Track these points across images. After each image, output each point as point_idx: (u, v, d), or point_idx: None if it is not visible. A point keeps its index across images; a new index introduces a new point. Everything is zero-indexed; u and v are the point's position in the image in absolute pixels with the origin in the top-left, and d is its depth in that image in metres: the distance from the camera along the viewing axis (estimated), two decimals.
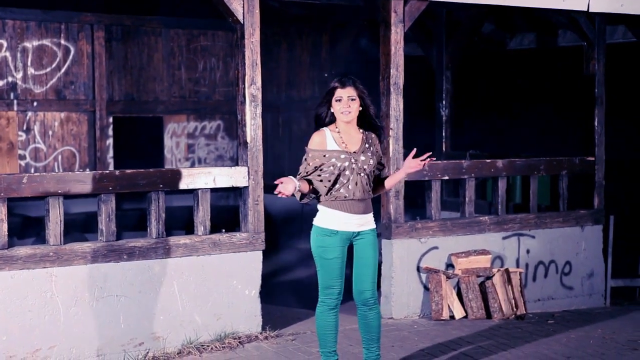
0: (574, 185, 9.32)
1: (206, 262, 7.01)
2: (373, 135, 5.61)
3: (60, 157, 11.60)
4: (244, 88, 7.19)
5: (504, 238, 8.60)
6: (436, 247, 8.18)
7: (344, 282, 5.60)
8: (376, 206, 5.74)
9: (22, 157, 11.35)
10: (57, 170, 11.39)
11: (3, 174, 6.42)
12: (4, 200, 6.27)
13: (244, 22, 7.16)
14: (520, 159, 8.91)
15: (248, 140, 7.20)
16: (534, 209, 8.89)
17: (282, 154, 12.70)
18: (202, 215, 7.06)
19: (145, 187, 6.82)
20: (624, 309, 9.13)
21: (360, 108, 5.53)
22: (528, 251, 8.75)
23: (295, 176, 5.50)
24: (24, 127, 11.37)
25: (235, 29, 7.25)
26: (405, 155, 7.91)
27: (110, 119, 11.84)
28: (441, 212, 8.45)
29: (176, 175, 6.96)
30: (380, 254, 6.38)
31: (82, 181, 6.55)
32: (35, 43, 11.40)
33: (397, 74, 7.85)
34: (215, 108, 12.73)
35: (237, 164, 7.34)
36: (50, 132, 11.54)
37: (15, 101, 11.28)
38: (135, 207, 10.72)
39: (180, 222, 10.36)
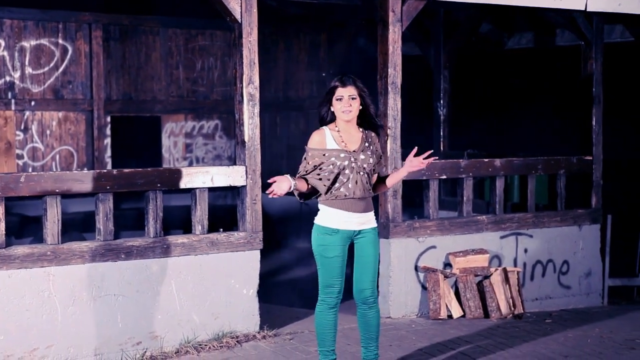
0: (571, 185, 9.32)
1: (204, 262, 7.01)
2: (373, 134, 5.61)
3: (58, 156, 11.60)
4: (242, 87, 7.19)
5: (502, 237, 8.60)
6: (434, 247, 8.18)
7: (344, 281, 5.60)
8: (374, 205, 5.73)
9: (20, 157, 11.35)
10: (55, 170, 11.38)
11: (1, 173, 6.42)
12: (2, 200, 6.26)
13: (241, 21, 7.16)
14: (518, 159, 8.91)
15: (246, 139, 7.20)
16: (532, 209, 8.90)
17: (280, 154, 12.70)
18: (200, 215, 7.06)
19: (143, 187, 6.82)
20: (621, 308, 9.14)
21: (361, 107, 5.54)
22: (526, 250, 8.75)
23: (294, 175, 5.50)
24: (22, 127, 11.37)
25: (233, 28, 7.25)
26: (404, 155, 7.94)
27: (108, 119, 11.84)
28: (439, 211, 8.46)
29: (174, 174, 6.96)
30: None
31: (80, 180, 6.54)
32: (33, 42, 11.40)
33: (395, 73, 7.85)
34: (213, 107, 12.74)
35: (234, 164, 7.34)
36: (48, 132, 11.54)
37: (13, 100, 11.28)
38: (133, 206, 10.72)
39: (178, 221, 10.37)
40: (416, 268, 8.08)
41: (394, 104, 7.85)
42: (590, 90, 9.35)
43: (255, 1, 7.19)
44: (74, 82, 11.66)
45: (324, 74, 12.17)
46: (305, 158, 5.53)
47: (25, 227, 10.61)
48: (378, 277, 7.66)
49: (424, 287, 8.09)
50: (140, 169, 6.82)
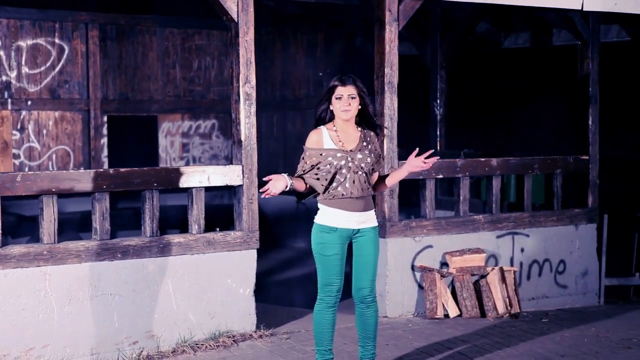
0: (568, 184, 9.33)
1: (200, 261, 7.01)
2: (372, 134, 5.60)
3: (54, 156, 11.60)
4: (239, 87, 7.19)
5: (498, 237, 8.61)
6: (430, 246, 8.18)
7: (344, 280, 5.61)
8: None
9: (17, 156, 11.35)
10: (51, 169, 11.38)
11: None
12: None
13: (238, 20, 7.16)
14: (514, 158, 8.92)
15: (242, 138, 7.20)
16: (528, 208, 8.90)
17: (277, 153, 12.71)
18: (197, 214, 7.06)
19: (139, 186, 6.81)
20: (618, 308, 9.15)
21: (360, 107, 5.54)
22: (522, 250, 8.76)
23: (292, 174, 5.51)
24: (18, 126, 11.36)
25: (230, 28, 7.25)
26: (400, 154, 7.97)
27: (105, 118, 11.84)
28: (435, 211, 8.46)
29: (170, 173, 6.95)
30: None
31: (77, 180, 6.54)
32: (30, 42, 11.39)
33: (391, 72, 7.85)
34: (210, 107, 12.74)
35: (231, 163, 7.33)
36: (45, 131, 11.53)
37: (9, 100, 11.27)
38: (130, 206, 10.71)
39: (174, 221, 10.36)
40: (413, 267, 8.08)
41: (390, 104, 7.85)
42: (586, 89, 9.36)
43: (251, 0, 7.19)
44: (70, 82, 11.65)
45: (321, 74, 12.18)
46: (303, 157, 5.54)
47: (22, 227, 10.60)
48: None
49: (420, 287, 8.09)
50: (136, 169, 6.81)
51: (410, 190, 9.29)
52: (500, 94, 12.92)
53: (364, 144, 5.54)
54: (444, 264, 8.22)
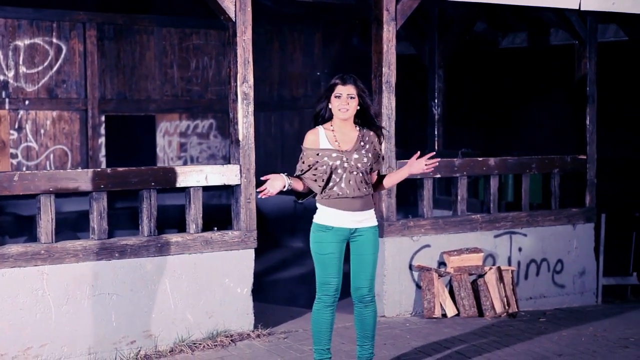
0: (565, 184, 9.34)
1: (198, 260, 7.01)
2: (371, 133, 5.58)
3: (52, 155, 11.59)
4: (236, 86, 7.19)
5: (496, 236, 8.61)
6: (428, 245, 8.18)
7: (342, 280, 5.60)
8: None
9: (14, 156, 11.34)
10: (49, 169, 11.37)
11: None
12: None
13: (235, 20, 7.16)
14: (512, 157, 8.93)
15: (240, 138, 7.20)
16: (526, 207, 8.90)
17: (275, 153, 12.70)
18: (194, 213, 7.06)
19: (137, 185, 6.81)
20: (615, 307, 9.15)
21: (359, 107, 5.53)
22: (520, 249, 8.76)
23: (290, 174, 5.51)
24: (16, 126, 11.35)
25: (227, 27, 7.25)
26: (398, 154, 7.97)
27: (103, 118, 11.83)
28: (433, 210, 8.46)
29: (168, 173, 6.95)
30: None
31: (74, 179, 6.53)
32: (27, 41, 11.38)
33: (389, 72, 7.85)
34: (208, 107, 12.74)
35: (229, 163, 7.33)
36: (42, 131, 11.52)
37: (7, 100, 11.26)
38: (128, 205, 10.71)
39: (173, 221, 10.36)
40: (410, 267, 8.08)
41: (388, 103, 7.85)
42: (584, 89, 9.36)
43: (249, 0, 7.19)
44: (68, 81, 11.65)
45: (318, 73, 12.18)
46: (301, 157, 5.55)
47: (19, 227, 10.60)
48: None
49: (418, 286, 8.09)
50: (134, 168, 6.81)
51: (408, 189, 9.29)
52: (498, 94, 12.93)
53: (361, 144, 5.53)
54: (442, 263, 8.22)
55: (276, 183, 5.41)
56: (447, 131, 11.34)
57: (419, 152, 5.62)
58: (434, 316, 7.90)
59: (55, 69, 11.55)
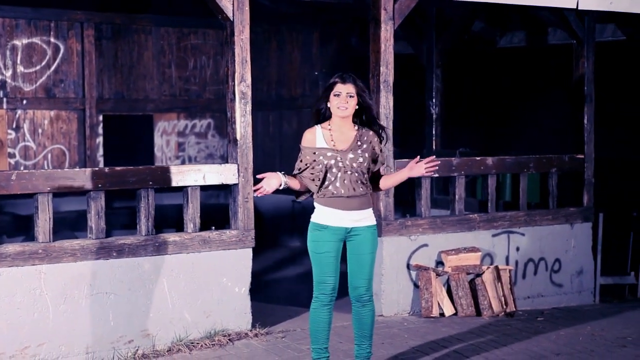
0: (563, 183, 9.34)
1: (196, 260, 7.00)
2: (370, 133, 5.56)
3: (50, 155, 11.59)
4: (234, 85, 7.19)
5: (494, 235, 8.61)
6: (426, 245, 8.18)
7: (339, 279, 5.60)
8: None
9: (12, 156, 11.33)
10: (46, 169, 11.36)
11: None
12: None
13: (233, 19, 7.15)
14: (509, 157, 8.93)
15: (238, 137, 7.20)
16: (524, 207, 8.91)
17: (273, 152, 12.70)
18: (192, 213, 7.06)
19: (134, 185, 6.81)
20: (613, 307, 9.16)
21: (358, 106, 5.53)
22: (518, 249, 8.76)
23: (289, 173, 5.52)
24: (14, 125, 11.35)
25: (225, 26, 7.25)
26: (396, 153, 7.97)
27: (100, 117, 11.83)
28: (431, 209, 8.46)
29: (166, 172, 6.95)
30: None
31: (72, 178, 6.53)
32: (25, 41, 11.38)
33: (387, 71, 7.85)
34: (206, 106, 12.74)
35: (227, 162, 7.33)
36: (40, 130, 11.52)
37: (4, 99, 11.26)
38: (126, 205, 10.71)
39: (170, 220, 10.36)
40: (408, 266, 8.09)
41: (386, 102, 7.85)
42: (582, 88, 9.37)
43: None
44: (66, 81, 11.64)
45: (316, 73, 12.18)
46: (299, 156, 5.55)
47: (17, 226, 10.60)
48: None
49: (416, 285, 8.10)
50: (132, 167, 6.81)
51: (406, 189, 9.28)
52: (496, 93, 12.93)
53: (358, 143, 5.52)
54: (440, 262, 8.23)
55: (272, 181, 5.42)
56: (445, 131, 11.34)
57: (418, 157, 5.60)
58: (431, 315, 7.91)
59: (53, 68, 11.55)
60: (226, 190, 10.15)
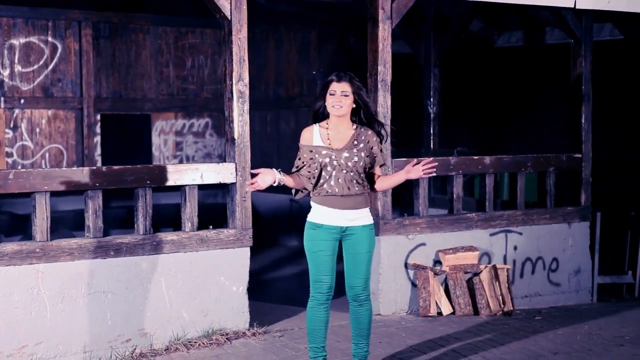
0: (561, 182, 9.34)
1: (193, 259, 7.00)
2: (369, 132, 5.55)
3: (47, 154, 11.58)
4: (232, 84, 7.19)
5: (492, 235, 8.61)
6: (424, 244, 8.18)
7: (336, 278, 5.60)
8: None
9: (9, 155, 11.33)
10: (44, 168, 11.36)
11: None
12: None
13: (231, 18, 7.15)
14: (507, 156, 8.93)
15: (235, 136, 7.20)
16: (521, 206, 8.91)
17: (270, 152, 12.70)
18: (190, 212, 7.06)
19: (132, 184, 6.80)
20: (610, 306, 9.16)
21: (354, 105, 5.52)
22: (515, 248, 8.76)
23: (287, 171, 5.53)
24: (11, 125, 11.34)
25: (223, 25, 7.25)
26: (393, 153, 7.97)
27: (98, 117, 11.82)
28: (429, 208, 8.46)
29: (163, 171, 6.95)
30: None
31: (69, 177, 6.53)
32: (22, 40, 11.37)
33: (384, 70, 7.85)
34: (204, 106, 12.73)
35: (224, 161, 7.33)
36: (38, 130, 11.52)
37: (2, 98, 11.25)
38: (124, 204, 10.71)
39: (168, 220, 10.35)
40: (406, 265, 8.09)
41: (383, 102, 7.85)
42: (579, 88, 9.37)
43: None
44: (63, 80, 11.63)
45: (314, 72, 12.18)
46: (298, 155, 5.56)
47: (15, 226, 10.59)
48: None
49: (413, 285, 8.10)
50: (129, 166, 6.81)
51: (404, 188, 9.28)
52: (494, 93, 12.94)
53: (354, 142, 5.51)
54: (437, 261, 8.23)
55: (266, 177, 5.44)
56: (443, 130, 11.34)
57: (415, 160, 5.56)
58: (429, 314, 7.91)
59: (50, 67, 11.54)
60: (224, 189, 10.15)
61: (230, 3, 7.14)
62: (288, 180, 5.52)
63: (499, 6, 8.94)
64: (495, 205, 8.96)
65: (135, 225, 6.89)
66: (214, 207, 10.84)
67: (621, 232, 10.56)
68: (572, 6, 8.64)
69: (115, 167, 6.74)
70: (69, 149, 11.70)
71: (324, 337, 5.63)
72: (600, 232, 9.83)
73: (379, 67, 7.82)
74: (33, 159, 11.49)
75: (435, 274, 8.06)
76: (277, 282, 9.79)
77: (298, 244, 11.45)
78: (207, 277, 7.06)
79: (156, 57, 12.30)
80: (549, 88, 12.18)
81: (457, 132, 12.57)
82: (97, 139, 11.79)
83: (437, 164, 5.61)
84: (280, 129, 12.70)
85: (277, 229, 12.10)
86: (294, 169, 5.58)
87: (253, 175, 5.50)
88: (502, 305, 8.19)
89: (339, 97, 5.47)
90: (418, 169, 5.47)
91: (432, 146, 11.08)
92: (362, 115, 5.56)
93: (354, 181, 5.48)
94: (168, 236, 6.93)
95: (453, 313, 8.03)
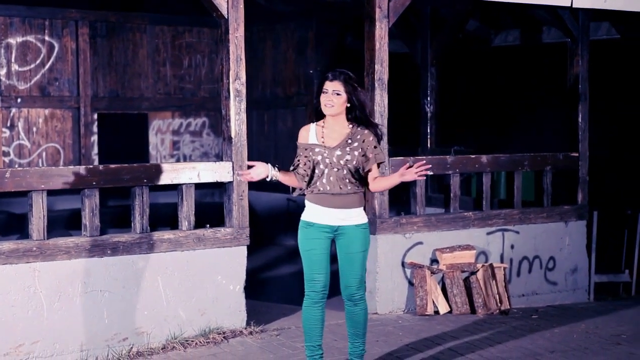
0: (558, 181, 9.35)
1: (190, 258, 7.00)
2: (366, 132, 5.51)
3: (44, 153, 11.57)
4: (229, 83, 7.19)
5: (488, 233, 8.62)
6: (421, 243, 8.19)
7: (330, 277, 5.60)
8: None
9: (6, 154, 11.31)
10: (41, 166, 11.34)
11: None
12: None
13: (228, 17, 7.15)
14: (504, 155, 8.93)
15: (232, 135, 7.19)
16: (518, 205, 8.91)
17: (268, 151, 12.69)
18: (187, 210, 7.05)
19: (129, 182, 6.80)
20: (607, 304, 9.17)
21: (348, 105, 5.51)
22: (512, 246, 8.77)
23: (284, 169, 5.54)
24: (8, 124, 11.33)
25: (220, 24, 7.24)
26: (391, 152, 7.97)
27: (95, 116, 11.81)
28: (426, 207, 8.46)
29: (160, 170, 6.94)
30: None
31: (66, 176, 6.52)
32: (19, 39, 11.36)
33: (381, 69, 7.86)
34: (201, 105, 12.73)
35: (221, 160, 7.33)
36: (35, 129, 11.50)
37: None
38: (121, 203, 10.70)
39: (165, 219, 10.34)
40: (403, 264, 8.09)
41: (380, 100, 7.85)
42: (576, 87, 9.38)
43: None
44: (60, 79, 11.63)
45: (311, 72, 12.18)
46: (296, 153, 5.57)
47: (11, 225, 10.58)
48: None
49: (410, 283, 8.10)
50: (126, 165, 6.80)
51: (401, 187, 9.29)
52: (491, 92, 12.95)
53: (348, 141, 5.48)
54: (434, 260, 8.23)
55: (260, 170, 5.46)
56: (440, 129, 11.34)
57: (407, 164, 5.51)
58: (426, 313, 7.91)
59: (47, 66, 11.53)
60: (221, 188, 10.14)
61: (227, 2, 7.14)
62: (283, 178, 5.53)
63: (496, 5, 8.95)
64: (492, 204, 8.95)
65: (132, 224, 6.88)
66: (211, 206, 10.84)
67: (618, 230, 10.58)
68: (569, 5, 8.65)
69: (112, 166, 6.74)
70: (65, 148, 11.69)
71: (320, 336, 5.62)
72: (597, 231, 9.84)
73: (376, 66, 7.83)
74: (30, 158, 11.48)
75: (433, 272, 8.07)
76: (274, 281, 9.79)
77: (295, 243, 11.37)
78: (204, 276, 7.05)
79: (153, 56, 12.29)
80: (545, 87, 12.20)
81: (454, 131, 12.57)
82: (94, 138, 11.78)
83: (430, 166, 5.55)
84: (278, 129, 12.70)
85: (274, 228, 12.09)
86: (291, 167, 5.59)
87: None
88: (499, 304, 8.20)
89: (330, 95, 5.45)
90: (412, 172, 5.41)
91: (429, 145, 11.08)
92: (356, 114, 5.53)
93: (347, 180, 5.46)
94: (165, 235, 6.93)
95: (450, 312, 8.04)
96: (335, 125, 5.54)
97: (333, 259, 5.57)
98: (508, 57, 12.45)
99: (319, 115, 5.57)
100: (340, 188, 5.45)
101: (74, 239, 6.58)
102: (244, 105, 7.25)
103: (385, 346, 6.77)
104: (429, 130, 11.13)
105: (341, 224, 5.49)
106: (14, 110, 11.35)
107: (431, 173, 8.39)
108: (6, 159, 11.28)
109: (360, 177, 5.52)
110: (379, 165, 5.60)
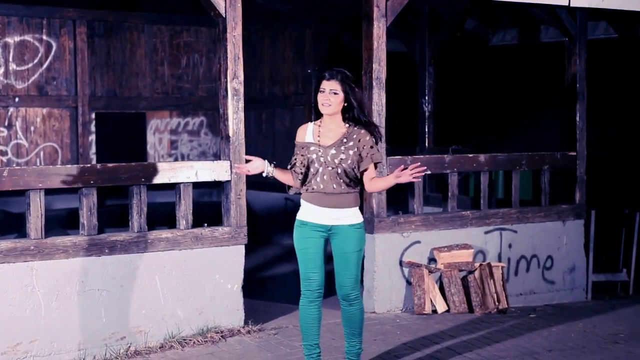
0: (555, 180, 9.36)
1: (188, 257, 7.00)
2: (363, 131, 5.49)
3: (42, 153, 11.56)
4: (226, 82, 7.19)
5: (486, 232, 8.62)
6: (418, 242, 8.19)
7: (326, 276, 5.59)
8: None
9: (4, 153, 11.31)
10: (38, 166, 11.33)
11: None
12: None
13: (226, 15, 7.15)
14: (502, 154, 8.94)
15: (230, 134, 7.19)
16: (516, 204, 8.92)
17: (265, 150, 12.68)
18: (184, 209, 7.05)
19: (127, 181, 6.80)
20: (605, 303, 9.18)
21: (345, 104, 5.50)
22: (510, 245, 8.77)
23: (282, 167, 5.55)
24: (6, 123, 11.32)
25: (217, 23, 7.24)
26: (388, 151, 7.98)
27: (93, 115, 11.81)
28: (423, 206, 8.47)
29: (158, 169, 6.94)
30: None
31: (64, 175, 6.52)
32: (17, 38, 11.35)
33: (379, 68, 7.86)
34: (199, 104, 12.72)
35: (219, 159, 7.32)
36: (32, 128, 11.50)
37: None
38: (118, 202, 10.69)
39: (163, 218, 10.34)
40: (401, 263, 8.09)
41: (378, 99, 7.85)
42: (574, 86, 9.39)
43: None
44: (58, 79, 11.62)
45: (309, 71, 12.18)
46: (294, 151, 5.58)
47: (9, 224, 10.57)
48: (362, 273, 7.69)
49: (408, 282, 8.10)
50: (124, 164, 6.80)
51: (399, 186, 9.29)
52: (488, 91, 12.95)
53: (344, 141, 5.46)
54: (432, 259, 8.23)
55: (256, 164, 5.51)
56: (438, 128, 11.35)
57: (402, 166, 5.48)
58: (424, 312, 7.91)
59: (45, 66, 11.52)
60: (219, 187, 10.14)
61: (225, 1, 7.13)
62: (279, 175, 5.53)
63: (494, 4, 8.95)
64: (490, 203, 8.95)
65: (130, 223, 6.88)
66: (209, 205, 10.83)
67: (615, 230, 10.58)
68: (567, 4, 8.65)
69: (110, 165, 6.74)
70: (63, 148, 11.68)
71: (317, 335, 5.62)
72: (595, 230, 9.85)
73: (373, 65, 7.83)
74: (28, 157, 11.47)
75: (430, 271, 8.07)
76: (272, 280, 9.79)
77: (292, 242, 11.44)
78: (202, 275, 7.05)
79: (151, 56, 12.28)
80: (543, 86, 12.20)
81: (452, 130, 12.58)
82: (92, 137, 11.78)
83: (425, 167, 5.51)
84: (275, 128, 12.70)
85: (272, 227, 12.09)
86: (289, 166, 5.60)
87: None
88: (497, 303, 8.20)
89: (327, 95, 5.45)
90: (407, 174, 5.35)
91: (427, 144, 11.08)
92: (352, 114, 5.52)
93: (341, 179, 5.44)
94: (163, 234, 6.93)
95: (448, 311, 8.04)
96: (332, 125, 5.53)
97: (330, 258, 5.57)
98: (506, 56, 12.46)
99: (318, 114, 5.57)
100: (334, 187, 5.44)
101: (71, 237, 6.57)
102: (241, 104, 7.25)
103: (383, 345, 6.77)
104: (426, 129, 11.14)
105: (335, 224, 5.48)
106: (11, 109, 11.34)
107: (429, 172, 8.40)
108: (4, 158, 11.28)
109: (355, 177, 5.50)
110: (375, 165, 5.56)
